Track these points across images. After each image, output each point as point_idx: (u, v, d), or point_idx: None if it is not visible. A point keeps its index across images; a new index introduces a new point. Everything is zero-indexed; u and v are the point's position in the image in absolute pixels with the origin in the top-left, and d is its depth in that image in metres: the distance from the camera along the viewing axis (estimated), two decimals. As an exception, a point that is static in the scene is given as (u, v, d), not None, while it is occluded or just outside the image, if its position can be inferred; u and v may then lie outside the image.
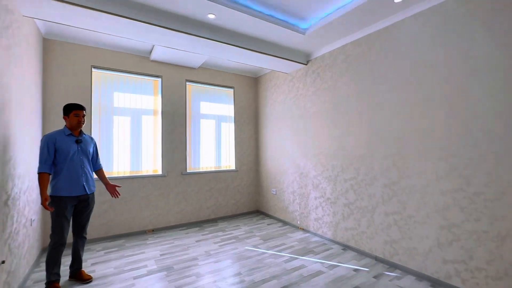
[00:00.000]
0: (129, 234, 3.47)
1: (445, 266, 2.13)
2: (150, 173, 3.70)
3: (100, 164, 2.48)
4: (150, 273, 2.44)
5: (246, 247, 3.06)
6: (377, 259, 2.66)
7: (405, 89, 2.42)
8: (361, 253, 2.82)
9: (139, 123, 3.63)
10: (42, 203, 1.97)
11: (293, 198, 3.86)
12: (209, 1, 2.28)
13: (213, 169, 4.29)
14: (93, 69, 3.32)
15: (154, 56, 3.54)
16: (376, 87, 2.68)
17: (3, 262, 1.77)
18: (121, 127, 3.48)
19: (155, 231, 3.66)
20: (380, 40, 2.64)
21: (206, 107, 4.27)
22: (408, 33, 2.40)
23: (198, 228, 3.84)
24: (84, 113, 2.26)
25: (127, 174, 3.51)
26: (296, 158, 3.79)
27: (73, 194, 2.12)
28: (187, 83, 4.08)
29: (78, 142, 2.21)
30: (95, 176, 3.19)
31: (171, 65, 3.89)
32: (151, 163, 3.72)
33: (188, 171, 4.01)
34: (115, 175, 3.42)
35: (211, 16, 2.53)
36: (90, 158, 2.32)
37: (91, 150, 2.33)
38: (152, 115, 3.74)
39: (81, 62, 3.21)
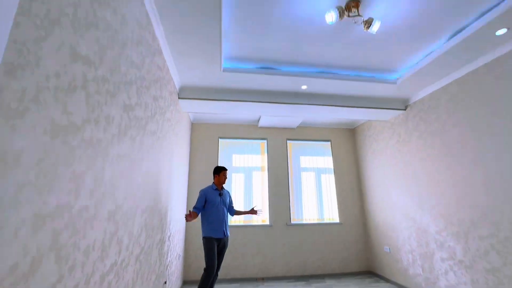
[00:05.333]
0: (243, 279, 3.86)
1: None
2: (259, 223, 4.18)
3: (234, 207, 3.13)
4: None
5: (357, 310, 2.79)
6: None
7: (542, 121, 1.99)
8: None
9: (250, 178, 4.35)
10: (186, 215, 2.59)
11: (412, 258, 3.31)
12: (300, 77, 2.85)
13: (315, 221, 4.34)
14: (219, 139, 4.44)
15: (261, 123, 4.40)
16: (498, 121, 2.30)
17: (165, 282, 2.47)
18: (237, 183, 4.29)
19: (265, 279, 3.91)
20: (494, 72, 2.37)
21: (305, 160, 4.64)
22: (528, 60, 2.10)
23: (304, 282, 3.81)
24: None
25: (241, 223, 4.12)
26: (408, 210, 3.38)
27: (217, 236, 2.74)
28: (287, 141, 4.67)
29: (220, 195, 2.94)
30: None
31: (274, 128, 4.65)
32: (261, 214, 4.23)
33: (292, 222, 4.25)
34: (231, 223, 4.09)
35: (304, 87, 3.09)
36: (227, 207, 3.00)
37: (227, 201, 3.01)
38: (260, 171, 4.42)
39: (211, 135, 4.41)
